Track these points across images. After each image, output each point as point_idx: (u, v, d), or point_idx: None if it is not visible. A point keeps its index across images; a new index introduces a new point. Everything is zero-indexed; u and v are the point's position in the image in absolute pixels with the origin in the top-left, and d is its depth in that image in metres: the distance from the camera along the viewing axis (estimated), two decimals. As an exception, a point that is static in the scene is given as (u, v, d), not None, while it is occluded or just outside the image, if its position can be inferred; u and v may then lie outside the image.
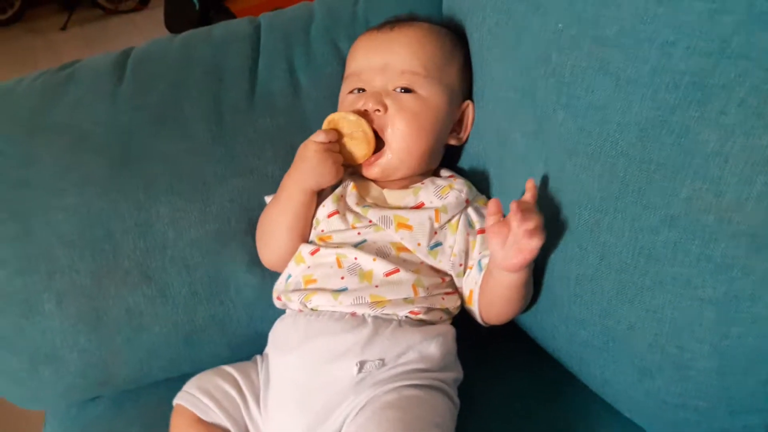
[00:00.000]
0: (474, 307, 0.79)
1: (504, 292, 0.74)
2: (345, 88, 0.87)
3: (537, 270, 0.77)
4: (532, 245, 0.67)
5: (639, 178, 0.62)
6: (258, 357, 0.82)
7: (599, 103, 0.64)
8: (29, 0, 4.77)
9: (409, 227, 0.78)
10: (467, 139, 0.89)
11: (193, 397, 0.76)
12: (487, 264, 0.76)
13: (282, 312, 0.84)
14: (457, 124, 0.88)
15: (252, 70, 0.95)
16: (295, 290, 0.79)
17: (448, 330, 0.78)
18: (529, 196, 0.69)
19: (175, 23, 2.99)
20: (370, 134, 0.79)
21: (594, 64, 0.64)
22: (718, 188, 0.57)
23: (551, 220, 0.71)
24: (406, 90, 0.81)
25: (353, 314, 0.75)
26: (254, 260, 0.88)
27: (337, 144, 0.81)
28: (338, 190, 0.83)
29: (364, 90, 0.84)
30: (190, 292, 0.87)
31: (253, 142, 0.90)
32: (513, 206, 0.66)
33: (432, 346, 0.74)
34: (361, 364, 0.71)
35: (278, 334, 0.80)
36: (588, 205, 0.67)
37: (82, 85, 0.92)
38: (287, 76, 0.95)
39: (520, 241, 0.67)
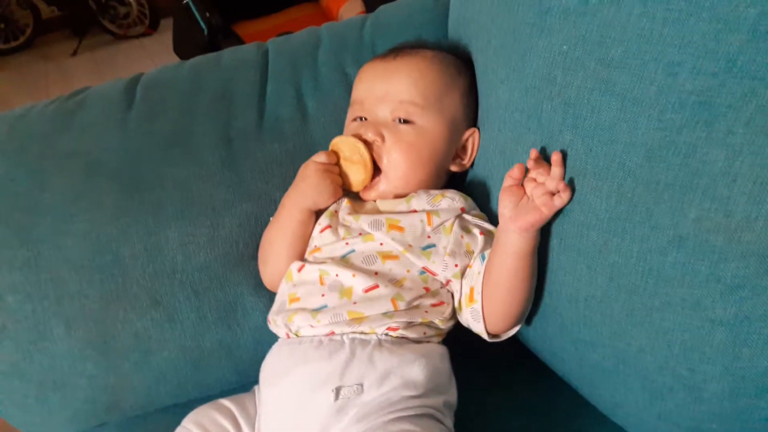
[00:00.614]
0: (477, 306, 0.75)
1: (509, 262, 0.71)
2: (349, 114, 0.89)
3: (546, 292, 0.76)
4: (554, 202, 0.67)
5: (647, 198, 0.62)
6: (257, 387, 0.82)
7: (605, 123, 0.64)
8: (40, 26, 4.85)
9: (400, 228, 0.78)
10: (473, 164, 0.89)
11: None
12: (495, 236, 0.75)
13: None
14: (461, 150, 0.88)
15: (260, 96, 0.96)
16: (279, 311, 0.79)
17: (434, 349, 0.76)
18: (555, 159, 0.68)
19: (183, 48, 3.02)
20: (368, 158, 0.81)
21: (600, 85, 0.64)
22: (726, 208, 0.57)
23: (559, 241, 0.71)
24: (405, 121, 0.82)
25: (331, 334, 0.74)
26: (261, 284, 0.89)
27: (336, 166, 0.83)
28: (332, 206, 0.84)
29: (366, 118, 0.85)
30: (198, 317, 0.87)
31: (261, 167, 0.91)
32: (517, 169, 0.70)
33: (414, 369, 0.71)
34: (337, 391, 0.70)
35: (265, 366, 0.80)
36: (596, 225, 0.67)
37: (93, 111, 0.94)
38: (295, 101, 0.96)
39: (537, 198, 0.68)
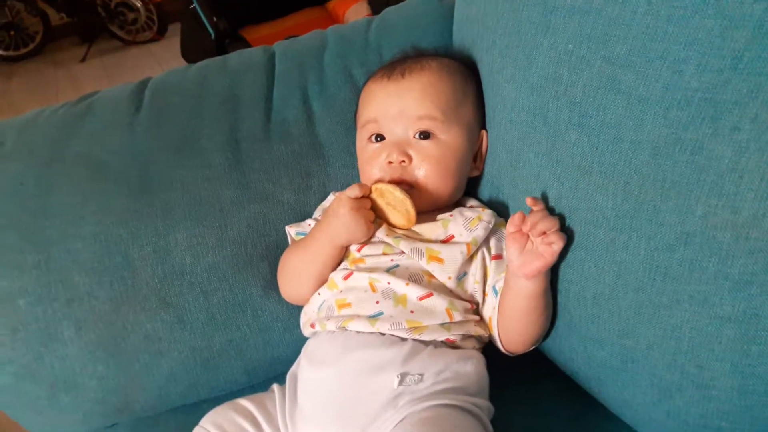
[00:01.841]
0: (494, 333, 0.79)
1: (522, 304, 0.74)
2: (363, 135, 0.87)
3: (553, 291, 0.76)
4: (553, 248, 0.68)
5: (653, 196, 0.62)
6: (275, 386, 0.82)
7: (612, 121, 0.64)
8: (50, 33, 4.90)
9: (440, 260, 0.78)
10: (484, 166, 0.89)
11: None
12: (505, 278, 0.76)
13: (300, 338, 0.84)
14: (477, 155, 0.89)
15: (267, 99, 0.96)
16: (329, 317, 0.79)
17: (481, 356, 0.78)
18: (536, 209, 0.70)
19: (191, 52, 3.04)
20: (413, 213, 0.80)
21: (605, 83, 0.64)
22: (734, 204, 0.57)
23: (566, 240, 0.71)
24: (425, 135, 0.82)
25: (392, 335, 0.76)
26: (270, 285, 0.89)
27: (368, 200, 0.81)
28: None
29: (383, 137, 0.85)
30: (207, 318, 0.87)
31: (268, 169, 0.91)
32: (518, 217, 0.70)
33: (468, 366, 0.74)
34: (402, 376, 0.71)
35: (314, 350, 0.79)
36: (603, 223, 0.67)
37: (101, 115, 0.94)
38: (301, 103, 0.96)
39: (539, 245, 0.69)
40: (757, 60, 0.54)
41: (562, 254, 0.72)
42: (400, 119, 0.83)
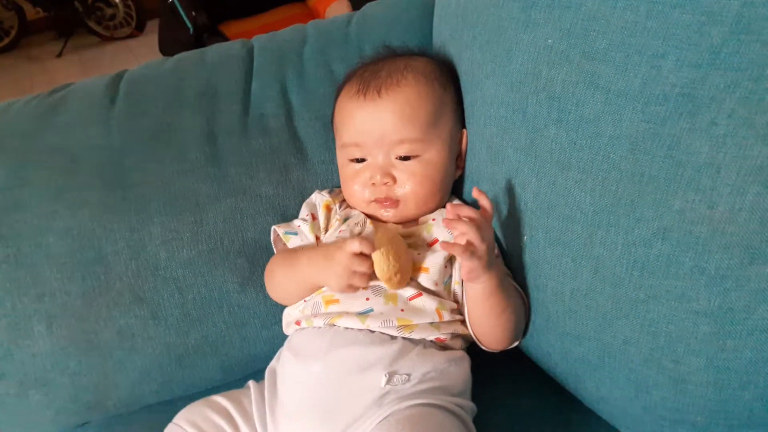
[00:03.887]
0: (471, 333, 0.79)
1: (478, 306, 0.74)
2: (344, 155, 0.86)
3: (532, 286, 0.77)
4: (463, 241, 0.68)
5: (631, 191, 0.62)
6: (252, 383, 0.80)
7: (590, 116, 0.64)
8: (25, 28, 4.82)
9: (426, 269, 0.78)
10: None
11: (182, 430, 0.75)
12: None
13: (278, 335, 0.84)
14: (459, 157, 0.88)
15: (245, 92, 0.95)
16: (316, 314, 0.78)
17: (467, 357, 0.79)
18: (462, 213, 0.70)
19: (169, 48, 3.01)
20: (408, 275, 0.76)
21: (584, 78, 0.64)
22: (710, 199, 0.57)
23: (544, 235, 0.71)
24: (408, 157, 0.82)
25: (382, 333, 0.75)
26: (247, 281, 0.88)
27: (368, 260, 0.74)
28: (356, 229, 0.83)
29: (365, 159, 0.84)
30: (182, 314, 0.86)
31: (246, 162, 0.90)
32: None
33: (454, 367, 0.75)
34: (390, 375, 0.71)
35: (299, 344, 0.78)
36: (581, 219, 0.67)
37: (75, 107, 0.93)
38: (280, 97, 0.95)
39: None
40: (734, 55, 0.54)
41: (540, 250, 0.72)
42: (381, 144, 0.82)
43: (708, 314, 0.60)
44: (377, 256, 0.73)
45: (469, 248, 0.68)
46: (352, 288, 0.76)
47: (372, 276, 0.75)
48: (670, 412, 0.67)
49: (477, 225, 0.68)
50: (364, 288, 0.77)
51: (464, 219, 0.69)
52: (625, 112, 0.61)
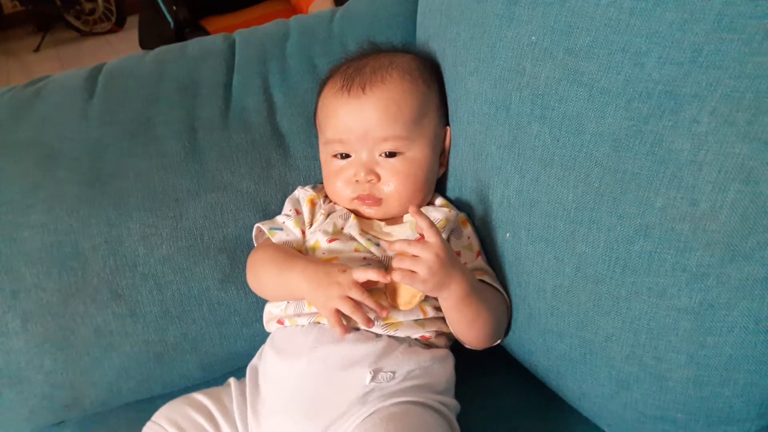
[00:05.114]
0: (453, 331, 0.78)
1: (449, 313, 0.74)
2: (327, 151, 0.86)
3: (514, 283, 0.77)
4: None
5: (613, 188, 0.62)
6: (232, 380, 0.80)
7: (573, 113, 0.64)
8: (3, 22, 4.74)
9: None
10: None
11: (161, 428, 0.74)
12: None
13: (259, 333, 0.83)
14: (442, 155, 0.88)
15: (226, 86, 0.94)
16: (299, 314, 0.78)
17: (451, 355, 0.79)
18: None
19: (149, 42, 2.98)
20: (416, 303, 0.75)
21: (568, 75, 0.64)
22: (692, 197, 0.57)
23: (527, 232, 0.71)
24: (392, 154, 0.82)
25: (367, 331, 0.75)
26: (227, 277, 0.87)
27: (365, 291, 0.71)
28: (338, 222, 0.82)
29: (348, 155, 0.83)
30: (161, 311, 0.85)
31: (226, 157, 0.89)
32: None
33: (438, 366, 0.75)
34: (375, 373, 0.70)
35: (283, 341, 0.78)
36: (563, 216, 0.67)
37: (52, 100, 0.91)
38: (262, 92, 0.94)
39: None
40: (716, 53, 0.55)
41: (523, 247, 0.72)
42: (365, 141, 0.81)
43: (689, 311, 0.60)
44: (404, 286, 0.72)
45: (410, 276, 0.68)
46: (336, 315, 0.72)
47: (361, 307, 0.72)
48: (650, 409, 0.67)
49: (421, 260, 0.68)
50: (347, 320, 0.73)
51: (409, 255, 0.69)
52: (608, 109, 0.61)
